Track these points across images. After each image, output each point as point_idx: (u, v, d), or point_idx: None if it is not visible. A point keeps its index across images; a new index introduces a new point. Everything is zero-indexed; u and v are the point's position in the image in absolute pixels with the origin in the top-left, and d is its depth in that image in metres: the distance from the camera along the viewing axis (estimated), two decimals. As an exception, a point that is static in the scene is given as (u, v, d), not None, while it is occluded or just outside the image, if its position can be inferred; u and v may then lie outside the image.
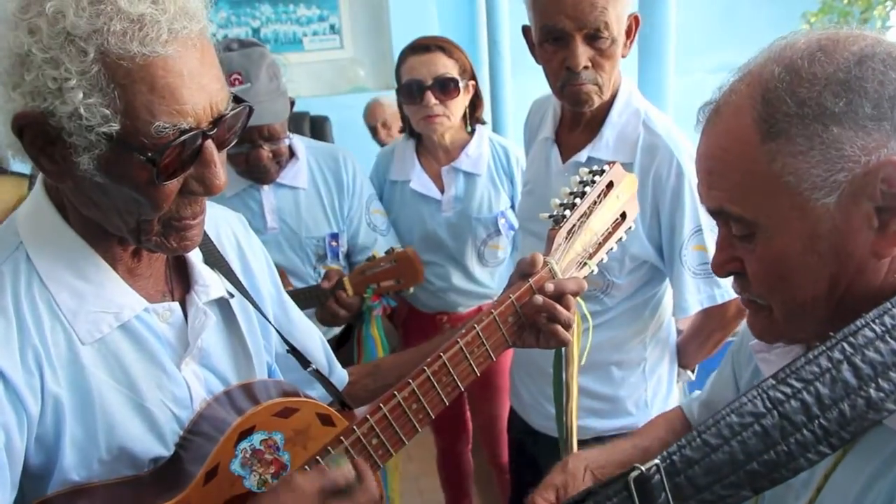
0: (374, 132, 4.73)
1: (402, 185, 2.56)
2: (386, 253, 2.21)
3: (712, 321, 1.89)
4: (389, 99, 4.58)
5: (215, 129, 0.95)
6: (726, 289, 1.79)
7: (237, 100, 1.00)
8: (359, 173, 2.43)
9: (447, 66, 2.34)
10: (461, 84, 2.35)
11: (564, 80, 1.72)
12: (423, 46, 2.38)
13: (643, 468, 0.77)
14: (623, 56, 1.75)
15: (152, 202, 0.95)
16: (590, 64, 1.69)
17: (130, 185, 0.93)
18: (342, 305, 2.17)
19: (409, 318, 2.74)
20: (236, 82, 2.05)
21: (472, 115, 2.51)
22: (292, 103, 2.25)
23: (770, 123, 0.80)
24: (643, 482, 0.77)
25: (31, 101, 0.88)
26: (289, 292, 2.15)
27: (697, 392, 1.38)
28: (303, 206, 2.31)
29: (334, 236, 2.34)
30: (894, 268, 0.81)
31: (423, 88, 2.32)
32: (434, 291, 2.60)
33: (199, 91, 0.92)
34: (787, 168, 0.79)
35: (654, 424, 1.40)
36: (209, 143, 0.95)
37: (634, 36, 1.75)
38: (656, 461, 0.77)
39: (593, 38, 1.66)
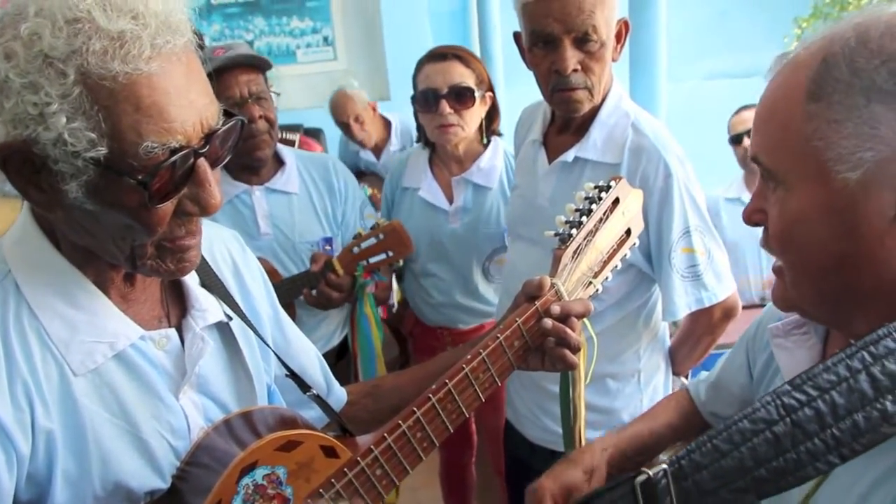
0: (345, 128, 4.59)
1: (412, 193, 2.54)
2: (371, 228, 2.20)
3: (699, 325, 1.89)
4: (356, 90, 4.56)
5: (207, 147, 0.92)
6: (713, 291, 1.79)
7: (228, 114, 0.97)
8: (350, 179, 2.43)
9: (463, 76, 2.31)
10: (477, 94, 2.32)
11: (554, 84, 1.74)
12: (439, 55, 2.36)
13: (650, 473, 0.78)
14: (614, 60, 1.76)
15: (146, 226, 0.92)
16: (579, 67, 1.69)
17: (122, 211, 0.90)
18: (334, 287, 2.17)
19: (415, 328, 2.73)
20: (220, 52, 2.08)
21: (489, 127, 2.47)
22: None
23: (819, 84, 0.79)
24: (649, 486, 0.78)
25: (13, 130, 0.85)
26: (281, 281, 2.18)
27: (704, 373, 1.37)
28: (295, 210, 2.30)
29: (328, 240, 2.33)
30: None
31: (439, 97, 2.30)
32: (435, 305, 2.58)
33: (188, 107, 0.88)
34: (819, 133, 0.79)
35: (665, 407, 1.40)
36: (202, 162, 0.92)
37: (625, 41, 1.76)
38: (664, 466, 0.78)
39: (581, 41, 1.67)
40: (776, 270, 0.92)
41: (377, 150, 4.71)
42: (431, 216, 2.49)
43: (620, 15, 1.72)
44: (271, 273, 2.19)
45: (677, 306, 1.78)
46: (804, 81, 0.81)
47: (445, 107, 2.30)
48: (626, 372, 1.93)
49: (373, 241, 2.18)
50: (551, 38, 1.68)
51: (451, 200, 2.48)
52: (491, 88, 2.41)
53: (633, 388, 1.94)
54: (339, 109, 4.56)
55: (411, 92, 2.45)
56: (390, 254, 2.19)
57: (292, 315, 2.26)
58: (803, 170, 0.81)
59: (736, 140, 3.49)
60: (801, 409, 0.74)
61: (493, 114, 2.46)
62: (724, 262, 1.83)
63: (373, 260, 2.20)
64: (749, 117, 3.45)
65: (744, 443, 0.76)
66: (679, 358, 2.01)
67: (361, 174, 4.68)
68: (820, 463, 0.74)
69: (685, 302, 1.78)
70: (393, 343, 3.82)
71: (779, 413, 0.75)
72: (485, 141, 2.48)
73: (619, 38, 1.74)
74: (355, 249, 2.18)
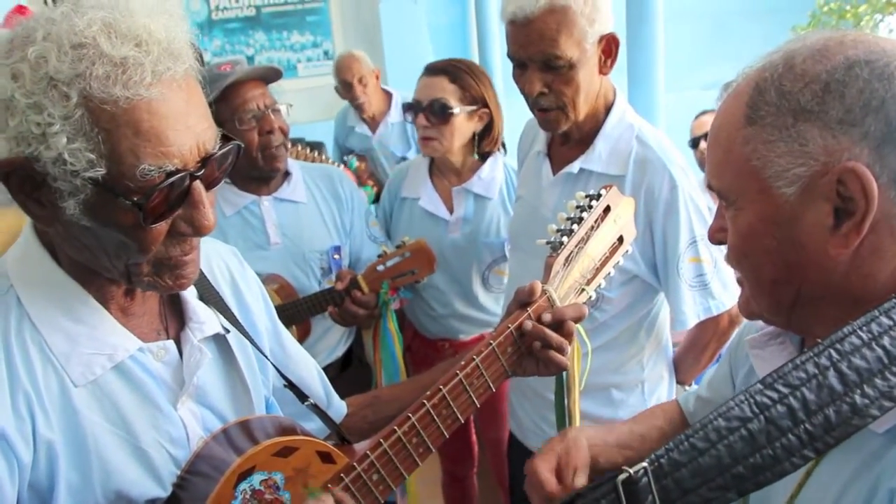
0: (348, 89, 4.49)
1: (411, 203, 2.54)
2: (397, 247, 2.22)
3: (707, 333, 1.89)
4: (363, 53, 4.49)
5: (203, 170, 0.94)
6: (720, 300, 1.80)
7: (226, 138, 0.99)
8: (354, 189, 2.45)
9: (445, 91, 2.31)
10: (457, 111, 2.31)
11: (531, 104, 1.80)
12: (433, 68, 2.38)
13: (631, 471, 0.79)
14: (603, 74, 1.78)
15: (140, 245, 0.94)
16: (546, 90, 1.74)
17: (117, 229, 0.92)
18: (360, 304, 2.18)
19: (413, 341, 2.72)
20: (227, 67, 2.12)
21: (480, 144, 2.44)
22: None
23: (754, 109, 0.85)
24: (631, 484, 0.79)
25: (16, 147, 0.88)
26: (304, 298, 2.21)
27: (695, 387, 1.39)
28: (304, 219, 2.31)
29: (337, 249, 2.34)
30: (856, 268, 0.83)
31: (418, 110, 2.33)
32: (435, 317, 2.58)
33: (186, 132, 0.91)
34: (757, 153, 0.84)
35: (652, 414, 1.42)
36: (197, 184, 0.94)
37: (615, 55, 1.77)
38: (644, 464, 0.79)
39: (547, 65, 1.71)
40: (739, 281, 0.97)
41: (374, 123, 4.64)
42: (432, 226, 2.49)
43: (609, 29, 1.74)
44: (286, 288, 2.21)
45: (686, 316, 1.80)
46: (742, 107, 0.86)
47: (422, 119, 2.32)
48: (629, 382, 1.93)
49: (398, 259, 2.19)
50: (520, 62, 1.75)
51: (451, 210, 2.48)
52: (487, 106, 2.38)
53: (637, 399, 1.94)
54: (345, 69, 4.46)
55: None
56: (415, 272, 2.21)
57: (308, 328, 2.28)
58: (747, 189, 0.86)
59: (694, 144, 3.74)
60: (774, 406, 0.77)
61: (485, 133, 2.43)
62: (729, 270, 1.84)
63: (398, 278, 2.21)
64: (708, 121, 3.65)
65: (720, 440, 0.78)
66: (685, 366, 2.01)
67: (351, 153, 4.65)
68: (796, 457, 0.76)
69: (694, 311, 1.80)
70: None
71: (752, 411, 0.77)
72: (475, 156, 2.46)
73: (608, 53, 1.76)
74: (380, 267, 2.19)
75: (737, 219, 0.89)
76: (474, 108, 2.35)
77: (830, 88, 0.79)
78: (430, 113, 2.31)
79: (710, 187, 0.94)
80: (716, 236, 0.97)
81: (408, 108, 2.39)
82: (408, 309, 2.68)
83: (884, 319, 0.77)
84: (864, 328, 0.77)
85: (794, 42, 0.87)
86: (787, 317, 0.91)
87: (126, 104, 0.87)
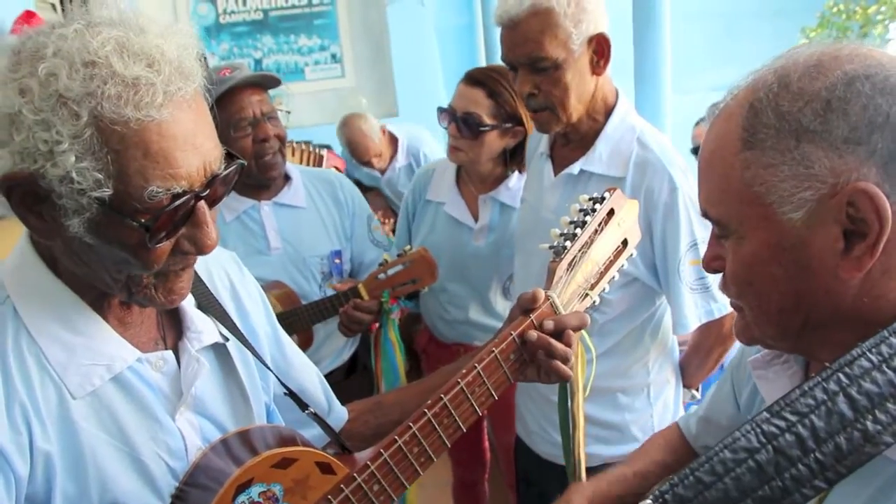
0: (365, 164, 4.58)
1: (436, 207, 2.52)
2: (398, 255, 2.21)
3: (710, 337, 1.88)
4: (369, 124, 4.55)
5: (208, 190, 0.94)
6: (723, 303, 1.79)
7: (230, 156, 0.99)
8: (355, 193, 2.45)
9: (479, 106, 2.25)
10: (488, 127, 2.25)
11: (524, 105, 1.84)
12: (472, 77, 2.32)
13: None
14: (597, 74, 1.78)
15: (143, 262, 0.93)
16: (536, 91, 1.75)
17: (121, 247, 0.92)
18: (363, 310, 2.18)
19: (428, 345, 2.72)
20: (226, 72, 2.12)
21: (512, 160, 2.38)
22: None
23: (750, 132, 0.81)
24: None
25: (21, 162, 0.87)
26: (305, 306, 2.21)
27: (694, 407, 1.37)
28: (304, 224, 2.31)
29: (337, 253, 2.34)
30: (866, 290, 0.80)
31: (451, 119, 2.30)
32: (450, 322, 2.56)
33: (193, 152, 0.90)
34: (758, 178, 0.80)
35: (653, 445, 1.39)
36: (201, 204, 0.94)
37: (608, 55, 1.77)
38: (648, 500, 0.77)
39: (534, 67, 1.73)
40: (735, 306, 0.93)
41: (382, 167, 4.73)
42: (456, 232, 2.47)
43: (599, 29, 1.73)
44: (290, 296, 2.21)
45: (688, 319, 1.78)
46: (736, 130, 0.82)
47: (453, 129, 2.29)
48: (635, 386, 1.92)
49: (399, 268, 2.18)
50: (511, 65, 1.78)
51: (476, 218, 2.45)
52: (522, 124, 2.30)
53: (642, 403, 1.93)
54: (362, 150, 4.56)
55: (418, 107, 2.44)
56: (416, 281, 2.19)
57: (310, 338, 2.28)
58: (750, 216, 0.82)
59: (696, 151, 3.82)
60: (782, 436, 0.74)
61: (517, 149, 2.36)
62: None
63: (398, 287, 2.20)
64: None
65: (727, 473, 0.75)
66: (690, 371, 2.00)
67: (363, 189, 4.71)
68: (806, 489, 0.73)
69: (695, 314, 1.78)
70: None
71: (759, 441, 0.75)
72: (508, 172, 2.41)
73: (601, 53, 1.75)
74: (381, 276, 2.18)
75: (739, 248, 0.85)
76: (508, 125, 2.28)
77: (832, 106, 0.76)
78: (461, 124, 2.27)
79: (705, 216, 0.90)
80: (712, 265, 0.93)
81: (442, 112, 2.35)
82: (423, 312, 2.67)
83: (894, 340, 0.74)
84: (874, 350, 0.74)
85: (783, 59, 0.83)
86: (792, 343, 0.88)
87: (137, 125, 0.86)
